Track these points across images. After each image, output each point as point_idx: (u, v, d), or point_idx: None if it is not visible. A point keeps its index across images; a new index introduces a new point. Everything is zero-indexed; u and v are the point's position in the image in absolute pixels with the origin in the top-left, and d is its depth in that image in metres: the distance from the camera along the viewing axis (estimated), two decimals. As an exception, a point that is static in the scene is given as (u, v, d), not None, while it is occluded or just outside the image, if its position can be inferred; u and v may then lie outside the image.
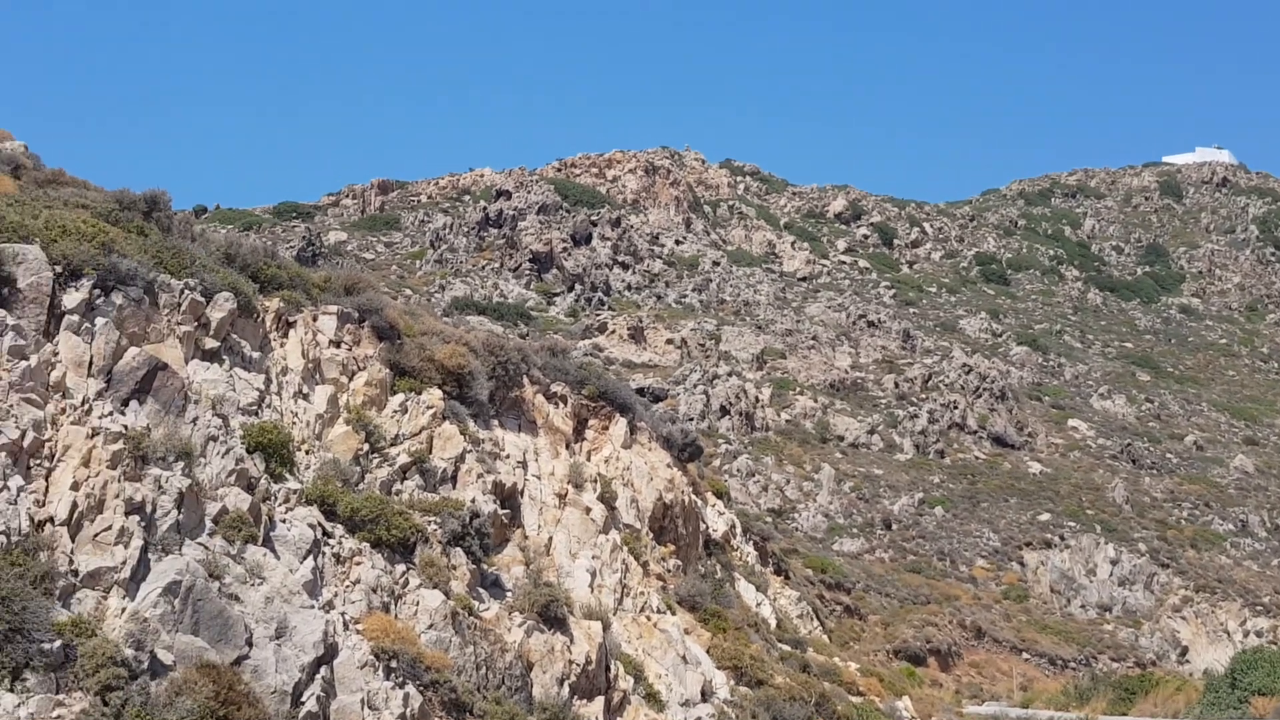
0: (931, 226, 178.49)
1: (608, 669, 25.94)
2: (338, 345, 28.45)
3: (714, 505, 42.58)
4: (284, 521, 22.09)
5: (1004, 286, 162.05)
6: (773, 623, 37.84)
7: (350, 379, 28.02)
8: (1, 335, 20.76)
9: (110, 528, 18.67)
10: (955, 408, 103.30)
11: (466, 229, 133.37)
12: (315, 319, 28.62)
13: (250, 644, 18.82)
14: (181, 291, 24.93)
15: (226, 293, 25.80)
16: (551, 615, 25.02)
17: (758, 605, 38.05)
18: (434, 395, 28.62)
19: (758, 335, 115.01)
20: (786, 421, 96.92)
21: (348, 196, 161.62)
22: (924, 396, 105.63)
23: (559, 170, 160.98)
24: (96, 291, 23.10)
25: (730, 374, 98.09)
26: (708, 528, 39.61)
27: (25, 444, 19.30)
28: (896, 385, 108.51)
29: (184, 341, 24.34)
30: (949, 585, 74.35)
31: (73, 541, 18.47)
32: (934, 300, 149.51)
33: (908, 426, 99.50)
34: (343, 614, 21.09)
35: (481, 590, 25.18)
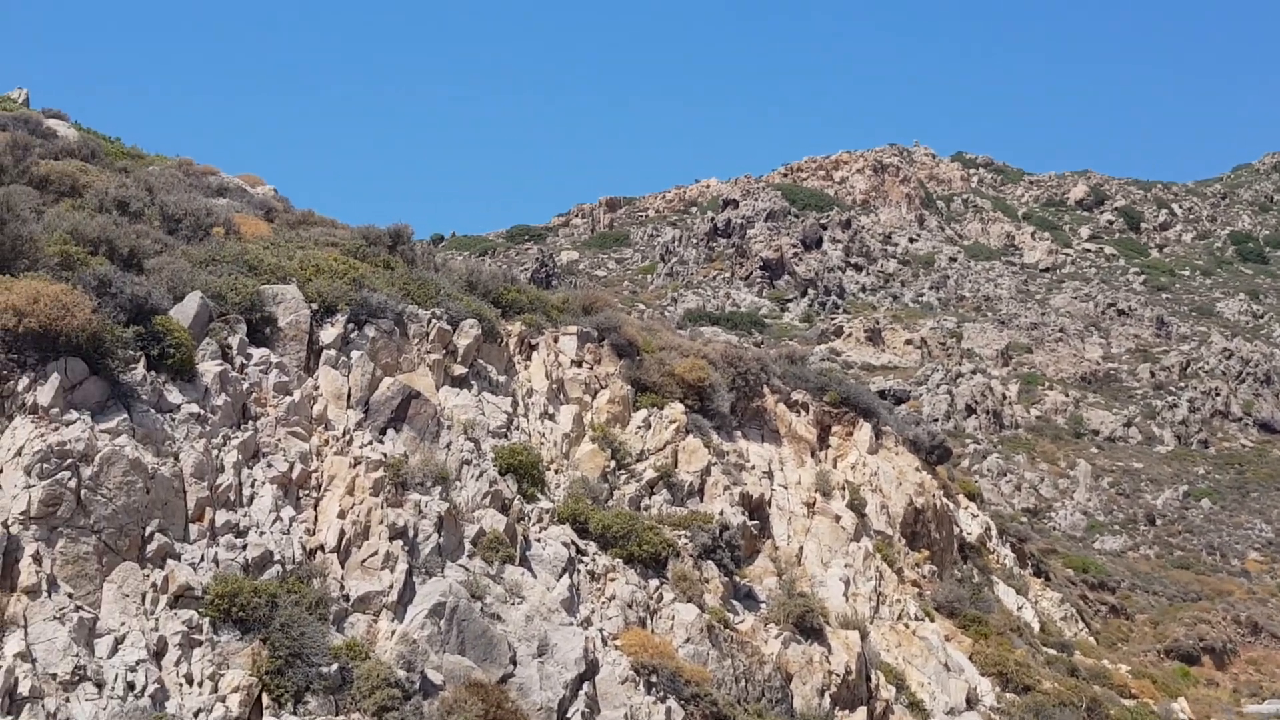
0: (1180, 207, 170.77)
1: (868, 678, 25.54)
2: (579, 365, 28.90)
3: (966, 508, 41.58)
4: (538, 540, 22.50)
5: (1263, 265, 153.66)
6: (1035, 626, 36.66)
7: (593, 397, 28.42)
8: (267, 373, 21.77)
9: (376, 553, 19.34)
10: (1217, 395, 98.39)
11: (695, 240, 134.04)
12: (556, 340, 29.16)
13: (514, 662, 19.21)
14: (429, 321, 25.74)
15: (471, 319, 26.51)
16: (808, 626, 24.78)
17: (1019, 609, 36.93)
18: (676, 409, 28.77)
19: (1001, 330, 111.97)
20: (1037, 418, 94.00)
21: (577, 216, 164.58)
22: (1183, 385, 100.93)
23: (785, 175, 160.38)
24: (350, 325, 24.05)
25: (974, 372, 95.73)
26: (961, 531, 38.68)
27: (294, 476, 20.19)
28: (1152, 374, 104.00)
29: (434, 369, 25.10)
30: (1220, 580, 70.68)
31: (342, 567, 19.21)
32: (1187, 284, 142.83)
33: (1167, 417, 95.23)
34: (601, 630, 21.33)
35: (735, 603, 25.12)
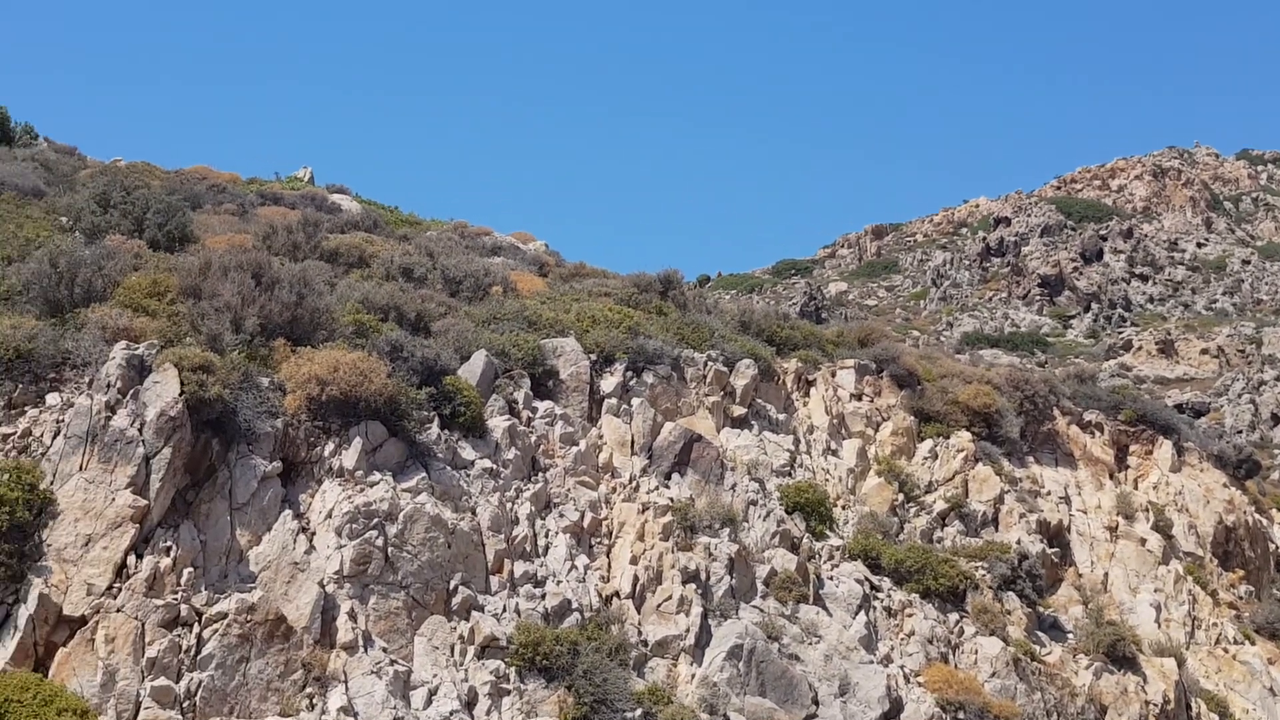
0: None
1: (1188, 707, 24.17)
2: (859, 398, 28.55)
3: (1282, 523, 39.00)
4: (831, 578, 22.22)
5: None
6: (1371, 647, 33.98)
7: (875, 430, 28.01)
8: (552, 425, 22.30)
9: (670, 597, 19.46)
10: None
11: (967, 262, 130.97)
12: (834, 374, 28.93)
13: (816, 702, 18.98)
14: (705, 364, 25.93)
15: (747, 360, 26.60)
16: (1119, 654, 23.64)
17: (1350, 628, 34.31)
18: (963, 438, 28.04)
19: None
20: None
21: (843, 246, 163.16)
22: None
23: (1058, 188, 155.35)
24: (629, 373, 24.46)
25: (1278, 378, 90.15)
26: (1278, 548, 36.30)
27: (585, 524, 20.56)
28: None
29: (713, 411, 25.23)
30: None
31: (638, 612, 19.40)
32: None
33: None
34: (902, 667, 20.85)
35: (1040, 634, 24.19)
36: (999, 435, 29.21)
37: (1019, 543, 25.60)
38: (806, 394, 28.24)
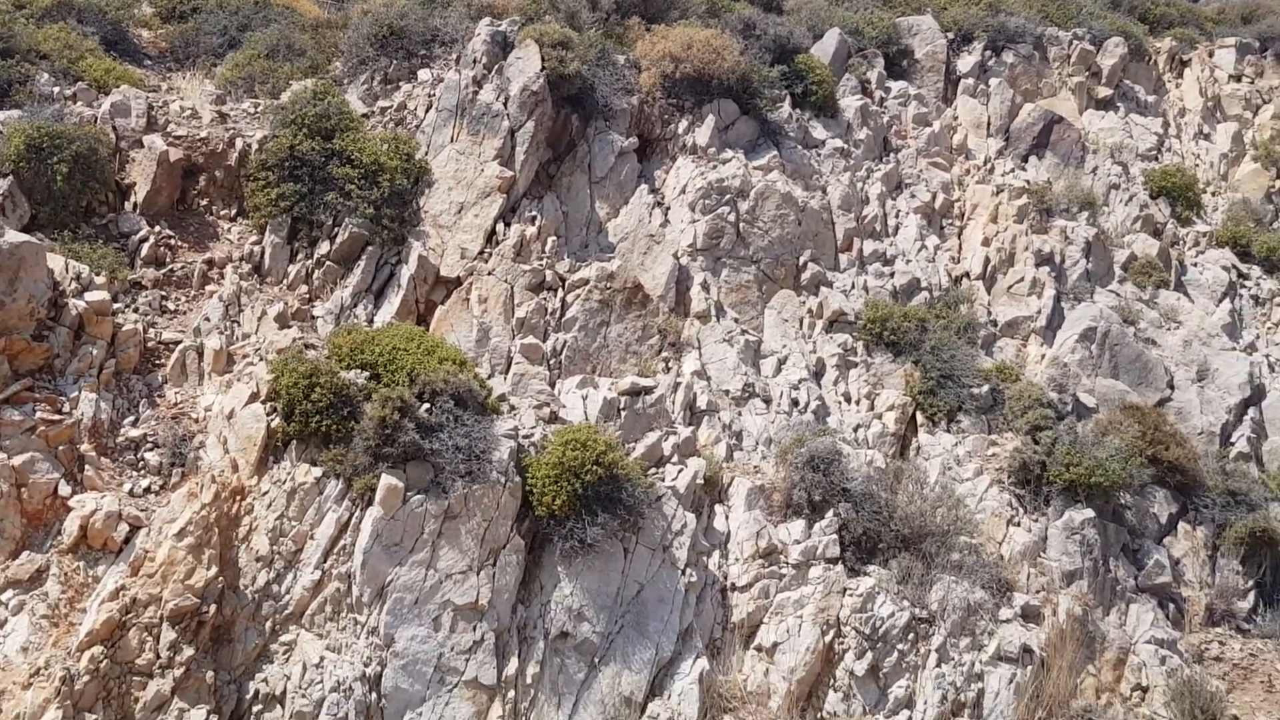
0: None
1: None
2: (1238, 79, 26.56)
3: None
4: (1195, 265, 21.29)
5: None
6: None
7: (1254, 114, 26.10)
8: (905, 105, 21.85)
9: (1022, 279, 19.15)
10: None
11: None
12: (1211, 55, 26.95)
13: (1171, 386, 18.52)
14: (1070, 43, 24.65)
15: (1116, 38, 25.10)
16: None
17: None
18: (1356, 120, 25.80)
19: None
20: None
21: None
22: None
23: None
24: (988, 53, 23.59)
25: None
26: None
27: (936, 205, 20.29)
28: None
29: (1076, 93, 24.11)
30: None
31: (988, 294, 19.22)
32: None
33: None
34: (1266, 355, 19.98)
35: None
36: (1399, 119, 26.68)
37: None
38: (1180, 75, 26.49)
